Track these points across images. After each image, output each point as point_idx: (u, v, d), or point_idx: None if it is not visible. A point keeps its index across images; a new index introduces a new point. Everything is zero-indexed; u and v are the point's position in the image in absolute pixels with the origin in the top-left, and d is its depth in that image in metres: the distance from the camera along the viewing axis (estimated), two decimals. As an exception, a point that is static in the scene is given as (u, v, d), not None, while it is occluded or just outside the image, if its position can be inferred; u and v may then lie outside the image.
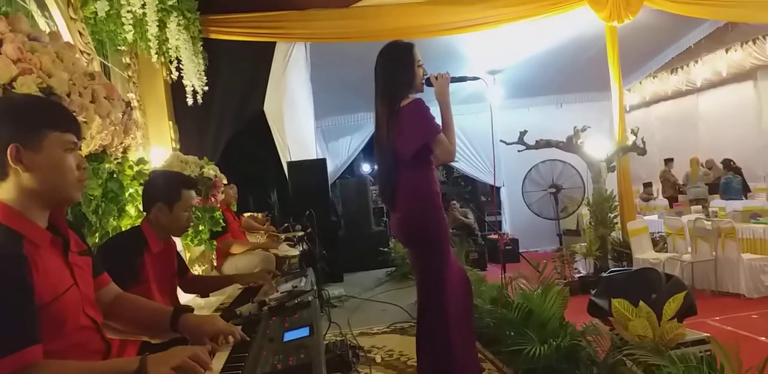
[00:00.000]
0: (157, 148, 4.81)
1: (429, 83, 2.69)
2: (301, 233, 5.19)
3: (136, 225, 2.48)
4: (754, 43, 9.44)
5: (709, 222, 5.99)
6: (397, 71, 2.62)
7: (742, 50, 9.66)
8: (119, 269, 1.91)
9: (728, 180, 9.94)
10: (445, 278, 2.62)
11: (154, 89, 5.16)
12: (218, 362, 1.47)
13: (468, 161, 10.31)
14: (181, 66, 4.92)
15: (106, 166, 3.14)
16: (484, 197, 13.49)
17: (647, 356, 2.45)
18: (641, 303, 2.74)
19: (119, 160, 3.43)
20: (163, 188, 2.34)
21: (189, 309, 1.69)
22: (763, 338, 4.23)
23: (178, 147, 5.14)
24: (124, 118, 3.29)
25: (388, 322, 4.68)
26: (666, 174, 11.54)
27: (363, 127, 10.04)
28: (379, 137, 2.70)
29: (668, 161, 11.64)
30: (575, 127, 6.80)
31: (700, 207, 8.07)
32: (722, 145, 11.50)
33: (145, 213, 2.40)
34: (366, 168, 13.66)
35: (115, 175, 3.22)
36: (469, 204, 10.88)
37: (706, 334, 2.88)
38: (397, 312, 5.01)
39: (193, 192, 2.37)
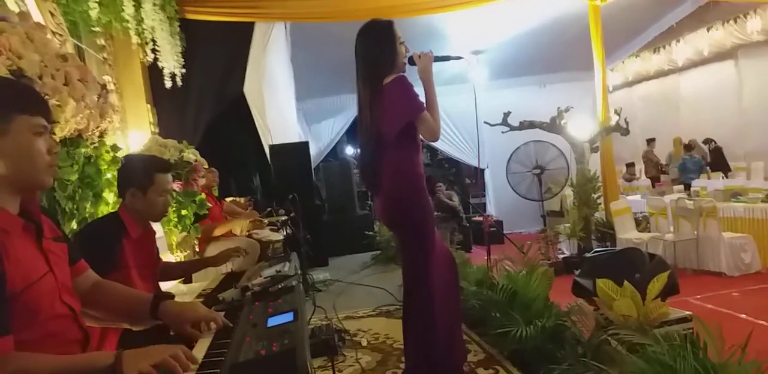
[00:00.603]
0: (135, 132, 4.72)
1: (412, 62, 2.66)
2: (284, 217, 5.15)
3: (114, 210, 2.43)
4: (735, 21, 9.47)
5: (691, 202, 6.05)
6: (378, 50, 2.57)
7: (724, 29, 9.69)
8: (98, 255, 1.87)
9: (685, 160, 10.12)
10: (431, 260, 2.62)
11: (131, 72, 5.03)
12: (201, 348, 1.44)
13: (452, 143, 10.29)
14: (157, 47, 4.80)
15: (83, 150, 3.06)
16: (468, 179, 13.50)
17: (632, 335, 2.46)
18: (625, 282, 2.75)
19: (96, 145, 3.35)
20: (136, 173, 2.30)
21: (170, 295, 1.66)
22: (743, 315, 4.29)
23: (157, 131, 5.04)
24: (99, 101, 3.20)
25: (374, 306, 4.69)
26: (648, 154, 11.63)
27: (346, 109, 9.94)
28: (361, 118, 2.67)
29: (650, 141, 11.72)
30: (558, 108, 6.79)
31: (682, 186, 8.14)
32: (703, 124, 11.59)
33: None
34: (349, 151, 13.58)
35: (91, 160, 3.15)
36: (454, 187, 10.89)
37: (688, 312, 2.90)
38: (383, 296, 5.02)
39: (168, 176, 2.32)
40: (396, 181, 2.58)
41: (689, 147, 10.34)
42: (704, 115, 11.71)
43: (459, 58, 2.86)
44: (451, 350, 2.71)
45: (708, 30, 9.89)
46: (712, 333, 2.14)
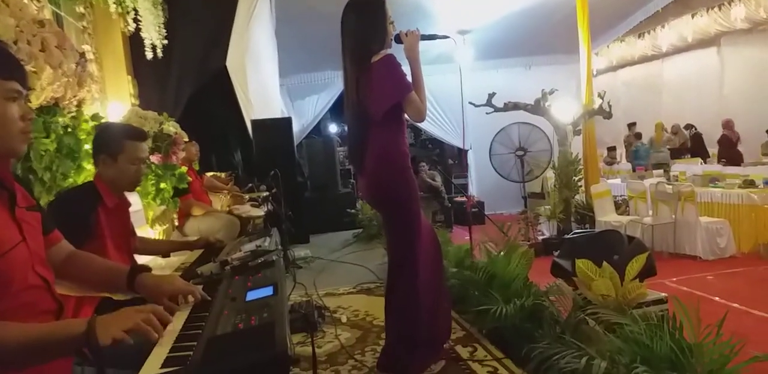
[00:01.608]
0: (115, 103, 4.62)
1: (398, 40, 2.62)
2: (265, 193, 5.11)
3: (90, 180, 2.39)
4: (720, 8, 9.49)
5: (670, 186, 6.12)
6: (369, 26, 2.52)
7: (708, 15, 9.71)
8: (73, 224, 1.85)
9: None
10: (418, 238, 2.62)
11: (111, 41, 4.91)
12: (178, 321, 1.42)
13: (436, 123, 10.25)
14: (139, 17, 4.68)
15: (60, 119, 2.99)
16: (451, 160, 13.51)
17: (610, 315, 2.49)
18: (605, 263, 2.77)
19: (74, 114, 3.27)
20: (106, 140, 2.26)
21: (146, 268, 1.64)
22: (717, 298, 4.38)
23: (137, 102, 4.95)
24: (77, 69, 3.12)
25: (355, 283, 4.69)
26: (629, 138, 11.72)
27: (330, 86, 9.83)
28: (348, 95, 2.63)
29: (631, 126, 11.80)
30: (543, 90, 6.79)
31: (662, 171, 8.23)
32: (685, 110, 11.69)
33: None
34: (333, 128, 13.48)
35: (69, 130, 3.07)
36: (437, 167, 10.89)
37: (664, 294, 2.95)
38: (364, 273, 5.03)
39: (140, 145, 2.28)
40: (382, 159, 2.56)
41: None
42: (686, 100, 11.81)
43: (446, 37, 2.83)
44: (433, 327, 2.72)
45: (692, 16, 9.91)
46: (688, 314, 2.18)
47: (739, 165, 8.43)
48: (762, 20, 9.29)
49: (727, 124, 10.09)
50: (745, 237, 5.87)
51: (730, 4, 9.19)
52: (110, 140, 2.24)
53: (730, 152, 9.77)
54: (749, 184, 6.13)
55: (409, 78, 2.55)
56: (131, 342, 1.12)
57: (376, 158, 2.56)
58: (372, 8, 2.54)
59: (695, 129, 10.89)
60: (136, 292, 1.55)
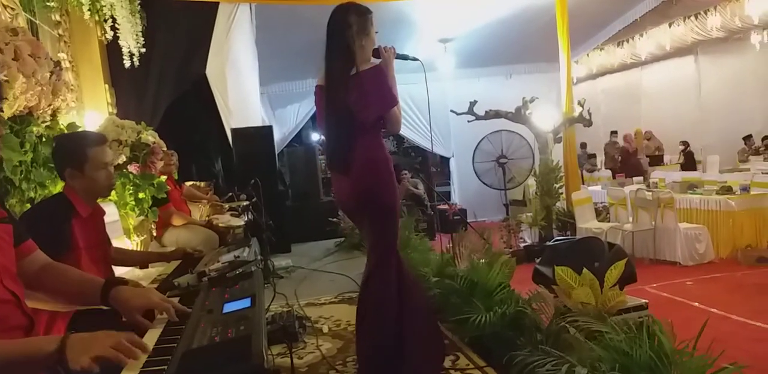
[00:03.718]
0: (92, 112, 4.56)
1: (377, 54, 2.66)
2: (246, 203, 5.06)
3: (60, 191, 2.34)
4: (696, 18, 9.66)
5: (650, 193, 6.17)
6: (357, 35, 2.55)
7: (685, 25, 9.88)
8: (48, 237, 1.81)
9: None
10: (395, 245, 2.64)
11: (88, 50, 4.85)
12: (152, 336, 1.39)
13: (418, 131, 10.26)
14: (116, 25, 4.63)
15: (34, 129, 2.94)
16: (434, 168, 13.53)
17: (590, 323, 2.50)
18: (584, 270, 2.78)
19: (48, 123, 3.22)
20: (68, 152, 2.20)
21: (122, 281, 1.61)
22: (697, 303, 4.41)
23: (114, 111, 4.89)
24: (52, 78, 3.07)
25: (336, 292, 4.66)
26: (607, 147, 11.86)
27: (312, 94, 9.74)
28: (331, 99, 2.61)
29: (613, 133, 11.94)
30: (524, 98, 6.84)
31: (642, 178, 8.32)
32: (663, 118, 11.87)
33: None
34: (315, 137, 13.44)
35: (44, 139, 3.02)
36: (419, 175, 10.89)
37: (644, 300, 2.96)
38: (346, 283, 4.99)
39: (103, 149, 2.22)
40: (370, 163, 2.57)
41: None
42: (664, 108, 11.99)
43: (415, 59, 2.85)
44: (416, 341, 2.65)
45: (670, 25, 10.07)
46: (667, 323, 2.19)
47: (640, 175, 8.92)
48: (737, 29, 9.47)
49: (626, 138, 10.73)
50: (723, 243, 5.94)
51: (706, 14, 9.36)
52: (72, 152, 2.18)
53: (628, 163, 10.36)
54: (727, 190, 6.21)
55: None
56: (97, 371, 1.09)
57: (365, 162, 2.56)
58: (362, 16, 2.58)
59: (688, 147, 11.03)
60: (110, 306, 1.52)
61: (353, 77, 2.52)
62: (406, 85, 2.69)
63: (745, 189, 6.21)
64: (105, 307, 1.62)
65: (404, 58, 2.78)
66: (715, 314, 4.11)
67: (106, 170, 2.22)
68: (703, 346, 2.09)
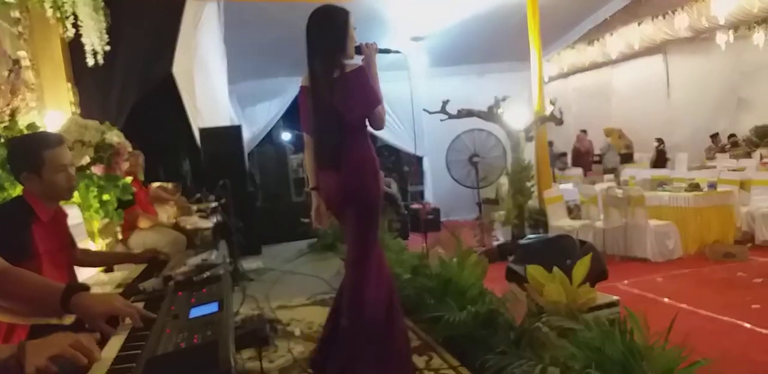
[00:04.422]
0: (53, 111, 4.42)
1: (359, 51, 2.70)
2: (214, 204, 4.96)
3: (19, 195, 2.24)
4: (664, 17, 9.80)
5: (620, 191, 6.23)
6: (337, 37, 2.61)
7: (653, 24, 10.02)
8: (5, 242, 1.75)
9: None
10: (376, 242, 2.75)
11: (49, 48, 4.69)
12: (113, 348, 1.34)
13: (391, 130, 10.22)
14: (79, 22, 4.50)
15: (-9, 130, 2.83)
16: (407, 167, 13.52)
17: (561, 321, 2.49)
18: (555, 268, 2.78)
19: (6, 124, 3.11)
20: (21, 156, 2.11)
21: (84, 287, 1.53)
22: (666, 299, 4.46)
23: (78, 111, 4.74)
24: (10, 77, 2.98)
25: (309, 294, 4.59)
26: (576, 143, 12.04)
27: (283, 93, 9.69)
28: (319, 100, 2.67)
29: (583, 132, 12.09)
30: (496, 97, 6.85)
31: (612, 176, 8.41)
32: (633, 117, 12.04)
33: None
34: (286, 136, 13.30)
35: (2, 140, 2.92)
36: (392, 174, 10.87)
37: (616, 297, 2.97)
38: (319, 284, 4.93)
39: (61, 150, 2.13)
40: (360, 162, 2.68)
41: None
42: (634, 106, 12.17)
43: (398, 52, 2.92)
44: (390, 340, 2.68)
45: (639, 24, 10.21)
46: (641, 317, 2.20)
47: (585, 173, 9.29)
48: (704, 29, 9.63)
49: (577, 138, 11.36)
50: (691, 239, 6.02)
51: (674, 13, 9.50)
52: (27, 155, 2.09)
53: (578, 162, 11.00)
54: (694, 187, 6.31)
55: None
56: (55, 370, 1.04)
57: (352, 162, 2.66)
58: (339, 18, 2.65)
59: (663, 144, 11.20)
60: (71, 313, 1.45)
61: (337, 79, 2.59)
62: (381, 83, 2.71)
63: (712, 186, 6.32)
64: (66, 323, 1.57)
65: (386, 51, 2.83)
66: (684, 309, 4.16)
67: (65, 172, 2.13)
68: (675, 341, 2.10)
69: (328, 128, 2.68)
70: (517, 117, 6.93)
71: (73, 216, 3.27)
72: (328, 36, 2.62)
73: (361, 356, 2.61)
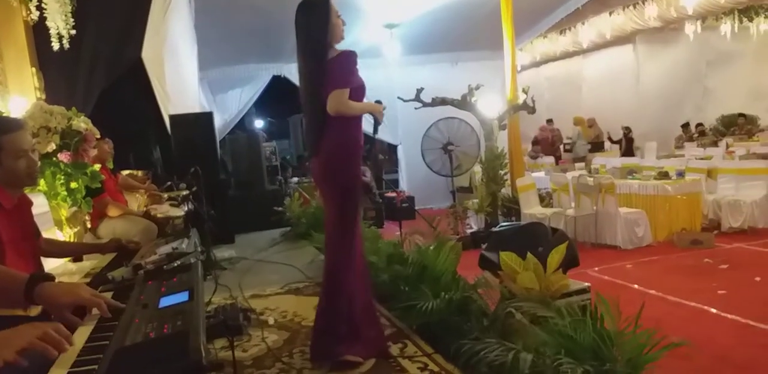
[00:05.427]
0: (17, 97, 4.29)
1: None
2: (185, 192, 4.88)
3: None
4: (635, 7, 9.92)
5: (591, 179, 6.31)
6: (319, 26, 2.72)
7: (624, 14, 10.14)
8: None
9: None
10: (357, 225, 2.87)
11: (12, 31, 4.54)
12: (81, 338, 1.31)
13: (365, 118, 10.17)
14: (43, 5, 4.35)
15: (-51, 116, 2.73)
16: (382, 155, 13.50)
17: (534, 307, 2.52)
18: (528, 255, 2.81)
19: (-34, 110, 3.00)
20: None
21: (49, 277, 1.49)
22: (636, 286, 4.55)
23: (43, 97, 4.61)
24: (-31, 61, 2.86)
25: (283, 283, 4.57)
26: (544, 133, 12.18)
27: (255, 79, 9.57)
28: (305, 87, 2.82)
29: (548, 122, 12.22)
30: (469, 85, 6.85)
31: (583, 164, 8.52)
32: (603, 105, 12.19)
33: None
34: (259, 123, 13.15)
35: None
36: (366, 163, 10.83)
37: (587, 284, 3.02)
38: (292, 273, 4.91)
39: (20, 135, 2.03)
40: (339, 146, 2.77)
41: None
42: (604, 95, 12.32)
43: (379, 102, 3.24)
44: (358, 319, 2.83)
45: (610, 14, 10.31)
46: (608, 307, 2.23)
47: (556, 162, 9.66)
48: (673, 19, 9.78)
49: (543, 128, 11.80)
50: (660, 227, 6.14)
51: (644, 3, 9.62)
52: None
53: (547, 150, 11.38)
54: (663, 175, 6.42)
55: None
56: (25, 364, 1.02)
57: (333, 144, 2.76)
58: (319, 8, 2.76)
59: (630, 132, 11.36)
60: (36, 304, 1.42)
61: (323, 67, 2.70)
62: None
63: (681, 174, 6.44)
64: (31, 315, 1.52)
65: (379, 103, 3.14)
66: (653, 295, 4.24)
67: (26, 158, 2.05)
68: (645, 326, 2.15)
69: (313, 115, 2.81)
70: (491, 105, 6.95)
71: (39, 204, 3.19)
72: (312, 26, 2.74)
73: (329, 331, 2.78)
